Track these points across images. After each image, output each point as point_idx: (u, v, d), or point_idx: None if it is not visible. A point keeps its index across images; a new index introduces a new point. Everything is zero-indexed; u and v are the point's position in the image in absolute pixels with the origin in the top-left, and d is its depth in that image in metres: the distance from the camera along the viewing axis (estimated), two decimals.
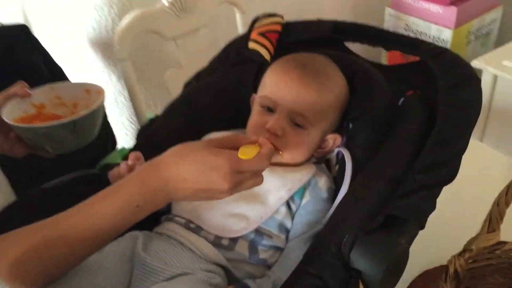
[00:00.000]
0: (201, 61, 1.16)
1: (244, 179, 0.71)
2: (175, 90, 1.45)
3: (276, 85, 0.89)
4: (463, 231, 1.05)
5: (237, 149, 0.72)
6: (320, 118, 0.88)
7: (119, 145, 1.57)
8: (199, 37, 1.59)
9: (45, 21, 1.68)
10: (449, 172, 0.79)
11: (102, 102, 0.94)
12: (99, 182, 0.90)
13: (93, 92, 0.98)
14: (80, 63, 1.77)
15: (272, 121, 0.86)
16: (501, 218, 0.90)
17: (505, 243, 0.96)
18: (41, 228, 0.66)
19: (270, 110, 0.89)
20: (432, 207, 0.77)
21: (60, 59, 1.44)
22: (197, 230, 0.83)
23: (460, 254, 0.93)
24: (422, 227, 0.77)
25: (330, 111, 0.90)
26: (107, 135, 1.38)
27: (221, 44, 1.11)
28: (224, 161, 0.68)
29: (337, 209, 0.82)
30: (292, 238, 0.85)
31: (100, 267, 0.74)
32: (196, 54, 1.61)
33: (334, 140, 0.92)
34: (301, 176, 0.87)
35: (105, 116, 1.38)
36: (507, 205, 0.89)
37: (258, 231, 0.83)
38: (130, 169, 0.82)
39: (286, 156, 0.87)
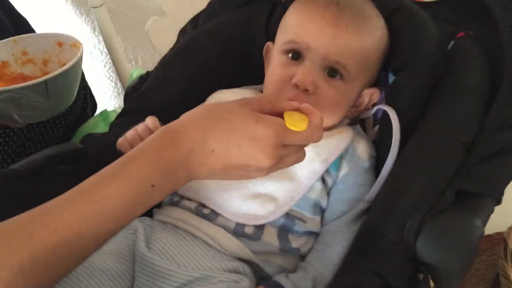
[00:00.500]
0: (188, 7, 0.99)
1: (287, 154, 0.55)
2: (158, 41, 1.31)
3: (305, 26, 0.71)
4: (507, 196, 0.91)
5: (279, 115, 0.55)
6: (360, 67, 0.71)
7: (99, 108, 1.38)
8: None
9: None
10: None
11: (80, 57, 0.77)
12: (85, 158, 0.72)
13: (66, 45, 0.84)
14: (46, 11, 1.57)
15: (300, 72, 0.68)
16: None
17: None
18: (22, 224, 0.48)
19: (296, 58, 0.71)
20: (510, 176, 0.62)
21: (23, 8, 1.23)
22: (213, 216, 0.66)
23: None
24: (499, 202, 0.62)
25: (371, 60, 0.73)
26: (86, 96, 1.18)
27: None
28: (268, 131, 0.53)
29: (387, 184, 0.66)
30: (331, 221, 0.69)
31: (92, 272, 0.57)
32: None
33: (371, 96, 0.75)
34: (337, 142, 0.70)
35: (82, 75, 1.20)
36: None
37: (289, 215, 0.67)
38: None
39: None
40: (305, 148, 0.68)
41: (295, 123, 0.55)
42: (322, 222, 0.70)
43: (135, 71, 1.26)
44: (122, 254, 0.62)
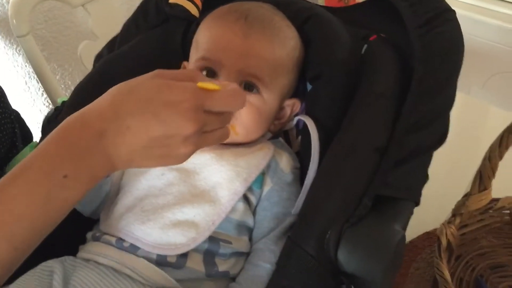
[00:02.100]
0: (119, 28, 0.95)
1: (210, 122, 0.52)
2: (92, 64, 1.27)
3: (215, 42, 0.70)
4: (445, 193, 0.93)
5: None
6: (275, 78, 0.70)
7: (37, 139, 1.34)
8: (112, 1, 1.41)
9: None
10: (440, 129, 0.65)
11: None
12: None
13: None
14: None
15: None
16: (493, 174, 0.78)
17: (497, 200, 0.85)
18: None
19: (211, 75, 0.70)
20: (426, 177, 0.63)
21: None
22: (133, 249, 0.64)
23: (450, 221, 0.81)
24: (417, 204, 0.62)
25: (286, 70, 0.72)
26: (14, 130, 1.13)
27: None
28: (184, 94, 0.50)
29: (309, 196, 0.65)
30: (259, 239, 0.67)
31: None
32: (112, 21, 1.41)
33: (292, 107, 0.75)
34: (257, 161, 0.69)
35: (9, 107, 1.16)
36: (500, 157, 0.76)
37: (213, 238, 0.65)
38: None
39: (241, 132, 0.69)
40: (224, 167, 0.67)
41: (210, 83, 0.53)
42: (251, 241, 0.68)
43: (62, 99, 1.22)
44: None
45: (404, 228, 0.59)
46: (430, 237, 0.93)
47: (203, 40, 0.72)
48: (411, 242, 0.93)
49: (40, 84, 1.65)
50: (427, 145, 0.64)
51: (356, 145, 0.64)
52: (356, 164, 0.62)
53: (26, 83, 1.65)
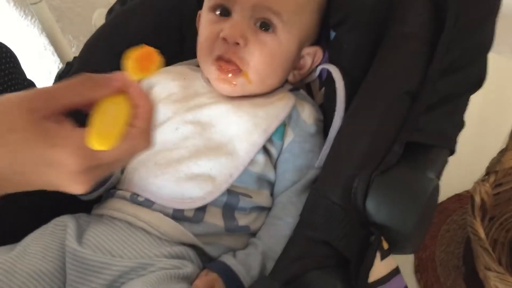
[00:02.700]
0: None
1: (105, 164, 0.43)
2: None
3: None
4: (475, 152, 0.87)
5: (93, 105, 0.42)
6: (294, 16, 0.65)
7: None
8: None
9: None
10: (477, 72, 0.59)
11: None
12: None
13: None
14: None
15: (228, 25, 0.63)
16: None
17: None
18: None
19: (225, 14, 0.66)
20: (462, 123, 0.58)
21: None
22: (148, 203, 0.61)
23: (484, 179, 0.76)
24: (453, 152, 0.57)
25: (306, 9, 0.67)
26: None
27: None
28: (68, 158, 0.40)
29: (335, 145, 0.61)
30: (280, 192, 0.64)
31: (13, 275, 0.52)
32: None
33: (314, 56, 0.70)
34: (277, 111, 0.65)
35: (23, 74, 1.14)
36: None
37: (231, 192, 0.61)
38: None
39: (254, 78, 0.65)
40: (242, 118, 0.63)
41: (105, 130, 0.40)
42: (273, 196, 0.65)
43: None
44: (50, 252, 0.56)
45: (438, 177, 0.55)
46: (460, 199, 0.89)
47: None
48: (440, 204, 0.88)
49: (55, 56, 1.64)
50: (462, 89, 0.59)
51: (385, 88, 0.59)
52: (385, 108, 0.58)
53: (40, 54, 1.63)
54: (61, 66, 1.65)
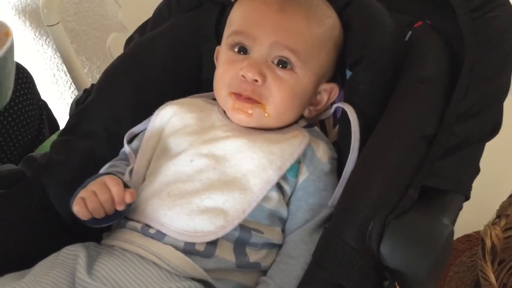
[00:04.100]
0: None
1: None
2: None
3: (248, 15, 0.67)
4: (485, 193, 0.87)
5: None
6: (311, 54, 0.67)
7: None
8: None
9: None
10: (493, 119, 0.60)
11: (9, 48, 0.68)
12: (22, 180, 0.67)
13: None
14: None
15: (247, 63, 0.64)
16: None
17: None
18: None
19: (244, 52, 0.67)
20: (477, 169, 0.58)
21: None
22: (160, 236, 0.61)
23: (495, 222, 0.76)
24: (468, 198, 0.57)
25: (323, 48, 0.68)
26: (41, 116, 1.13)
27: None
28: None
29: (348, 185, 0.61)
30: (292, 230, 0.63)
31: None
32: (142, 13, 1.37)
33: (330, 92, 0.71)
34: (292, 147, 0.65)
35: (38, 94, 1.15)
36: None
37: (244, 226, 0.61)
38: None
39: (271, 112, 0.66)
40: (257, 154, 0.64)
41: None
42: (284, 233, 0.65)
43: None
44: (60, 283, 0.56)
45: (453, 223, 0.55)
46: (470, 240, 0.88)
47: (236, 15, 0.70)
48: None
49: (68, 76, 1.66)
50: (479, 135, 0.59)
51: (401, 131, 0.60)
52: (401, 151, 0.58)
53: (54, 76, 1.65)
54: (73, 87, 1.68)
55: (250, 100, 0.65)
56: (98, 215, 0.60)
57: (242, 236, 0.61)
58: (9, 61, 0.74)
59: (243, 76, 0.64)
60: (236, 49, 0.67)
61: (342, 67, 0.74)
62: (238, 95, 0.66)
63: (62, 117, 1.41)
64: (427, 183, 0.55)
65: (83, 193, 0.61)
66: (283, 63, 0.66)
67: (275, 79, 0.65)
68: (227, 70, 0.67)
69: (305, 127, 0.71)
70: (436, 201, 0.55)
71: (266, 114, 0.66)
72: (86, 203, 0.60)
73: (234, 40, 0.67)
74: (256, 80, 0.64)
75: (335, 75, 0.74)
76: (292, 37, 0.65)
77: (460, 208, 0.57)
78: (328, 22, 0.68)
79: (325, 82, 0.71)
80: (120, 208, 0.60)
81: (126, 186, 0.63)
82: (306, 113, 0.71)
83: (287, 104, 0.66)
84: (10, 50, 0.72)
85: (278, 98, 0.65)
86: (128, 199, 0.60)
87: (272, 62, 0.66)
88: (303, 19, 0.65)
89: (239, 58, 0.67)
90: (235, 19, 0.69)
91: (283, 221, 0.65)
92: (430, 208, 0.54)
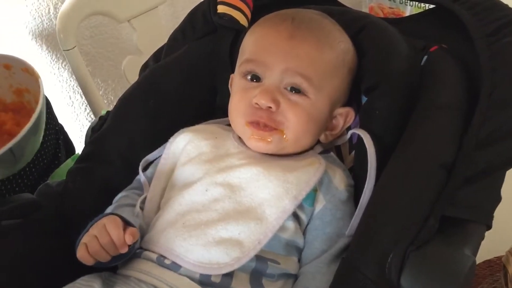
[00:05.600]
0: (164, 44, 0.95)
1: None
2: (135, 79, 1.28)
3: (260, 43, 0.68)
4: (506, 217, 0.85)
5: None
6: (324, 80, 0.66)
7: (79, 151, 1.34)
8: (158, 16, 1.40)
9: None
10: None
11: (43, 103, 0.69)
12: (38, 210, 0.67)
13: (16, 68, 0.75)
14: (24, 58, 1.54)
15: (259, 91, 0.65)
16: None
17: None
18: None
19: (256, 79, 0.68)
20: (498, 197, 0.57)
21: None
22: (175, 267, 0.60)
23: None
24: (489, 227, 0.56)
25: (336, 73, 0.68)
26: (57, 141, 1.13)
27: None
28: None
29: (366, 214, 0.60)
30: (309, 260, 0.63)
31: None
32: (157, 37, 1.41)
33: (346, 116, 0.70)
34: (307, 176, 0.64)
35: (55, 119, 1.16)
36: None
37: (260, 257, 0.60)
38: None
39: (290, 137, 0.66)
40: (272, 183, 0.63)
41: None
42: (300, 263, 0.64)
43: (105, 111, 1.22)
44: None
45: (475, 254, 0.53)
46: (491, 266, 0.86)
47: (248, 43, 0.70)
48: None
49: (83, 98, 1.68)
50: (500, 163, 0.58)
51: (419, 160, 0.59)
52: (419, 180, 0.57)
53: (70, 98, 1.66)
54: (88, 109, 1.69)
55: (267, 127, 0.65)
56: (102, 259, 0.60)
57: (258, 267, 0.60)
58: (42, 120, 0.74)
59: (256, 103, 0.65)
60: (249, 77, 0.68)
61: (357, 92, 0.73)
62: (255, 124, 0.66)
63: (77, 139, 1.42)
64: (447, 213, 0.54)
65: (85, 238, 0.61)
66: (295, 89, 0.66)
67: (288, 104, 0.65)
68: (241, 99, 0.68)
69: (321, 153, 0.70)
70: (457, 231, 0.54)
71: (285, 140, 0.66)
72: (88, 249, 0.59)
73: (246, 69, 0.68)
74: (270, 107, 0.64)
75: (351, 100, 0.73)
76: (303, 63, 0.65)
77: (482, 238, 0.55)
78: (340, 47, 0.68)
79: (340, 106, 0.70)
80: (123, 251, 0.60)
81: (129, 224, 0.62)
82: (322, 138, 0.71)
83: (304, 128, 0.66)
84: (42, 109, 0.72)
85: (294, 122, 0.65)
86: (128, 241, 0.59)
87: (285, 88, 0.66)
88: (314, 45, 0.66)
89: (252, 86, 0.67)
90: (247, 47, 0.70)
91: (299, 251, 0.64)
92: (451, 239, 0.53)
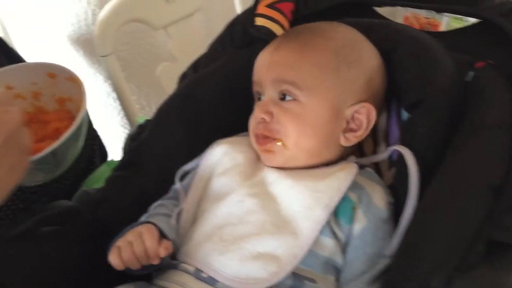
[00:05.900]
0: (198, 52, 0.97)
1: None
2: (170, 87, 1.30)
3: (256, 63, 0.73)
4: None
5: None
6: (313, 81, 0.67)
7: (112, 157, 1.35)
8: (193, 24, 1.43)
9: (20, 20, 1.51)
10: None
11: (85, 109, 0.70)
12: (77, 217, 0.68)
13: (60, 77, 0.76)
14: (60, 63, 1.57)
15: (256, 108, 0.70)
16: None
17: None
18: None
19: (260, 98, 0.72)
20: None
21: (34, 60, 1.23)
22: (212, 281, 0.60)
23: None
24: None
25: (328, 72, 0.67)
26: (93, 147, 1.15)
27: (219, 30, 0.90)
28: None
29: (408, 235, 0.58)
30: (348, 281, 0.61)
31: None
32: (192, 44, 1.42)
33: (367, 114, 0.68)
34: (337, 181, 0.63)
35: (91, 125, 1.18)
36: None
37: (297, 275, 0.59)
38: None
39: (289, 144, 0.67)
40: (302, 193, 0.63)
41: None
42: (338, 283, 0.62)
43: (141, 119, 1.24)
44: None
45: None
46: None
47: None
48: None
49: (117, 103, 1.70)
50: None
51: (465, 180, 0.57)
52: (465, 202, 0.55)
53: (104, 102, 1.69)
54: (122, 113, 1.72)
55: (267, 138, 0.67)
56: (133, 266, 0.60)
57: (294, 285, 0.59)
58: (84, 127, 0.75)
59: (255, 119, 0.69)
60: (258, 97, 0.72)
61: (397, 105, 0.72)
62: (257, 138, 0.69)
63: (110, 143, 1.44)
64: (495, 237, 0.52)
65: (120, 242, 0.61)
66: (284, 96, 0.67)
67: (280, 112, 0.67)
68: (251, 119, 0.72)
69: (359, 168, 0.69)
70: (504, 256, 0.52)
71: (285, 147, 0.67)
72: (121, 253, 0.60)
73: (254, 90, 0.72)
74: (264, 118, 0.67)
75: (390, 112, 0.72)
76: (283, 68, 0.67)
77: None
78: (330, 45, 0.68)
79: (352, 104, 0.68)
80: (154, 262, 0.60)
81: (164, 236, 0.63)
82: (343, 141, 0.68)
83: (300, 131, 0.66)
84: (85, 110, 0.73)
85: (289, 127, 0.66)
86: (162, 254, 0.59)
87: (280, 98, 0.68)
88: (295, 49, 0.68)
89: (257, 105, 0.71)
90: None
91: (337, 270, 0.63)
92: (498, 264, 0.51)
